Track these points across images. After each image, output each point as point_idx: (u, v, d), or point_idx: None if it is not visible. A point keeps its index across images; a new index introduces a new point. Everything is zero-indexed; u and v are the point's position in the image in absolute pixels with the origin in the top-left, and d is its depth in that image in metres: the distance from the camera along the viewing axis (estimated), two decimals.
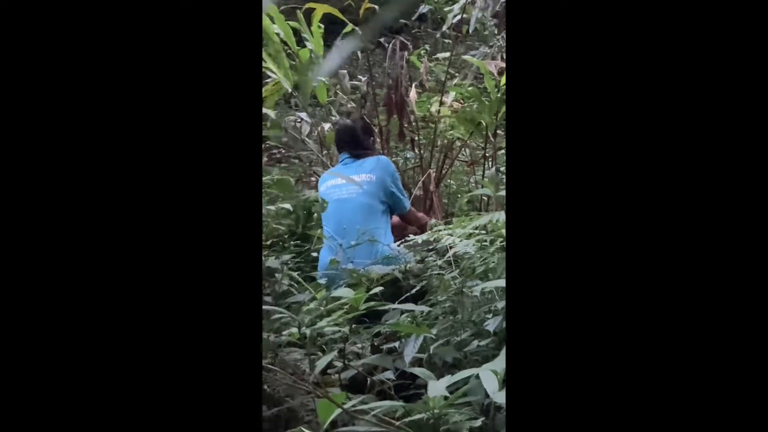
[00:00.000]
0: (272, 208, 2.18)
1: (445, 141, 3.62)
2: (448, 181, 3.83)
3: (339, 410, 1.34)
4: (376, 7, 3.35)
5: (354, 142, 2.93)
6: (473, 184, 3.84)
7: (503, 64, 3.14)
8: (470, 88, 3.44)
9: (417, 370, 1.55)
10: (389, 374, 1.74)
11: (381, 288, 1.94)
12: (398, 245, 2.59)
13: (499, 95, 3.11)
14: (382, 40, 4.12)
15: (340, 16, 3.25)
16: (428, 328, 1.76)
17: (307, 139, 3.47)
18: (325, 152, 3.48)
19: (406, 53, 3.43)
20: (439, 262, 2.16)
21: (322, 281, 2.49)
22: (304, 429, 1.35)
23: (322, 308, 2.05)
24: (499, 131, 3.40)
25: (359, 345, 2.07)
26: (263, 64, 3.28)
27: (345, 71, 3.66)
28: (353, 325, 1.91)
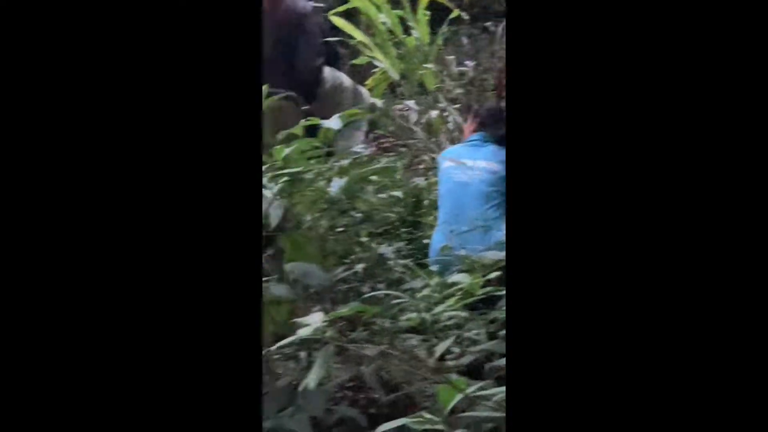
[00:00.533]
0: (384, 196, 2.19)
1: None
2: None
3: (460, 395, 1.33)
4: None
5: (499, 127, 2.84)
6: None
7: None
8: None
9: None
10: None
11: (497, 273, 1.91)
12: None
13: None
14: (488, 24, 4.06)
15: (446, 2, 3.23)
16: None
17: (414, 127, 3.47)
18: (433, 140, 3.47)
19: None
20: None
21: (435, 268, 2.48)
22: (425, 414, 1.34)
23: (436, 294, 2.04)
24: None
25: (475, 331, 2.05)
26: (369, 54, 3.32)
27: (452, 57, 3.64)
28: (469, 311, 1.89)
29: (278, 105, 2.61)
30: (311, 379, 1.20)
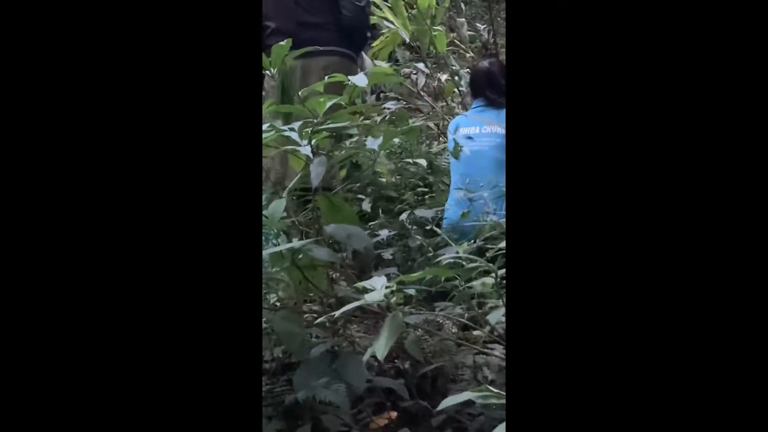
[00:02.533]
0: (409, 161, 2.10)
1: None
2: None
3: None
4: None
5: (490, 87, 2.74)
6: None
7: None
8: None
9: None
10: None
11: None
12: None
13: None
14: None
15: None
16: None
17: (421, 91, 3.37)
18: (442, 104, 3.36)
19: None
20: None
21: (454, 235, 2.40)
22: (491, 388, 1.26)
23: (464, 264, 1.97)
24: None
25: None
26: (380, 14, 3.20)
27: (463, 19, 3.53)
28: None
29: (333, 63, 2.51)
30: (379, 348, 1.11)
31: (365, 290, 1.20)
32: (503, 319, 1.57)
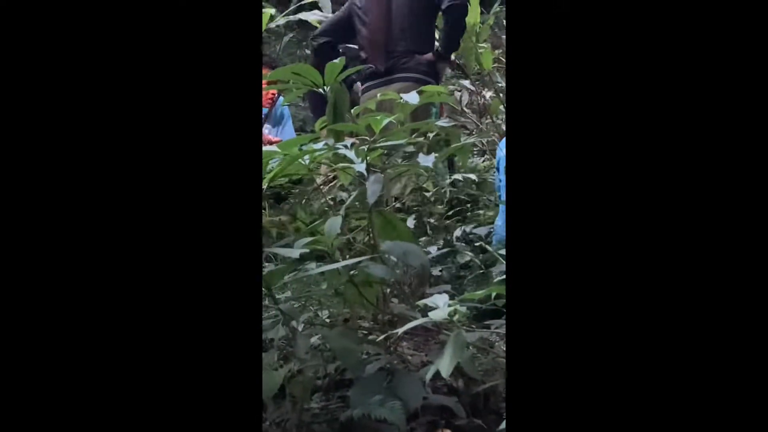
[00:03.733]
0: (459, 177, 2.09)
1: None
2: None
3: None
4: None
5: None
6: None
7: None
8: None
9: None
10: None
11: None
12: None
13: None
14: None
15: None
16: None
17: (465, 108, 3.37)
18: (487, 121, 3.36)
19: None
20: None
21: (503, 252, 2.39)
22: None
23: None
24: None
25: None
26: None
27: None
28: None
29: (407, 88, 2.58)
30: (444, 366, 1.11)
31: (426, 308, 1.19)
32: None
